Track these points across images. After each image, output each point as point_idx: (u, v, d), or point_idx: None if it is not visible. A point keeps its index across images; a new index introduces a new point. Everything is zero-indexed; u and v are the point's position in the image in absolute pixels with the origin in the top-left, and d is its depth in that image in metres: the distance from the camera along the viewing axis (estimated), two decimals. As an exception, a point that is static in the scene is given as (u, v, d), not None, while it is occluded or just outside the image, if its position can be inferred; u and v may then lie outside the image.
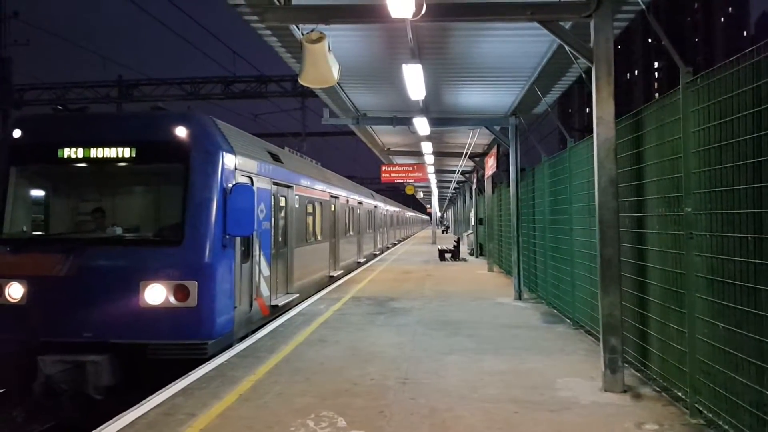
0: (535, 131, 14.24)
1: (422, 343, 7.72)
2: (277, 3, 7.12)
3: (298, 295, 11.13)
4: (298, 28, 7.95)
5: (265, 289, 9.23)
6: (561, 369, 6.41)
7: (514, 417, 4.92)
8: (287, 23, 7.47)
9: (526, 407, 5.15)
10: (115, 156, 7.47)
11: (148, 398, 5.42)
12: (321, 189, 14.26)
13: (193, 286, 6.89)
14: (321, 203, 14.21)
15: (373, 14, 6.66)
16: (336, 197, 16.30)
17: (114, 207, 8.09)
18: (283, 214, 10.78)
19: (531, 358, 6.92)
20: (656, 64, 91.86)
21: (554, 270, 9.97)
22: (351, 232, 19.34)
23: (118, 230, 7.50)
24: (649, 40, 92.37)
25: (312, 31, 6.81)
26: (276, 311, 9.75)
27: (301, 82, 7.28)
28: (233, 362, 6.74)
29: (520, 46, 8.69)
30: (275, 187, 9.97)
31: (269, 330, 8.61)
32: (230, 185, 7.49)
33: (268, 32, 8.34)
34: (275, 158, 10.37)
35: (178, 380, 6.00)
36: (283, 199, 10.76)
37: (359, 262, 20.51)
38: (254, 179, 8.63)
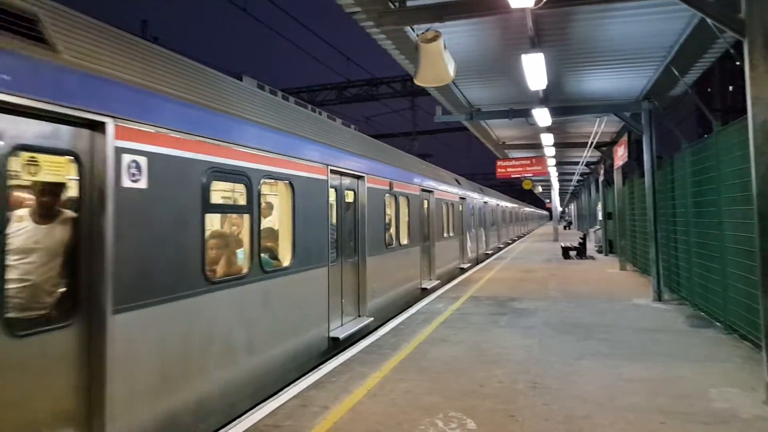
0: (671, 116, 13.02)
1: (551, 346, 7.37)
2: (392, 6, 7.21)
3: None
4: (413, 30, 7.98)
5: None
6: (713, 378, 5.78)
7: (661, 428, 4.51)
8: (403, 25, 7.52)
9: (674, 418, 4.70)
10: None
11: (285, 389, 5.72)
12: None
13: None
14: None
15: (489, 6, 6.49)
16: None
17: None
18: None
19: (676, 365, 6.32)
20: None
21: (700, 268, 9.05)
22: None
23: None
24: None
25: (427, 30, 6.79)
26: None
27: (417, 82, 7.28)
28: (360, 357, 6.91)
29: (651, 24, 8.01)
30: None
31: (391, 327, 8.73)
32: None
33: (383, 36, 8.46)
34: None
35: (311, 372, 6.29)
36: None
37: (462, 268, 17.85)
38: None
